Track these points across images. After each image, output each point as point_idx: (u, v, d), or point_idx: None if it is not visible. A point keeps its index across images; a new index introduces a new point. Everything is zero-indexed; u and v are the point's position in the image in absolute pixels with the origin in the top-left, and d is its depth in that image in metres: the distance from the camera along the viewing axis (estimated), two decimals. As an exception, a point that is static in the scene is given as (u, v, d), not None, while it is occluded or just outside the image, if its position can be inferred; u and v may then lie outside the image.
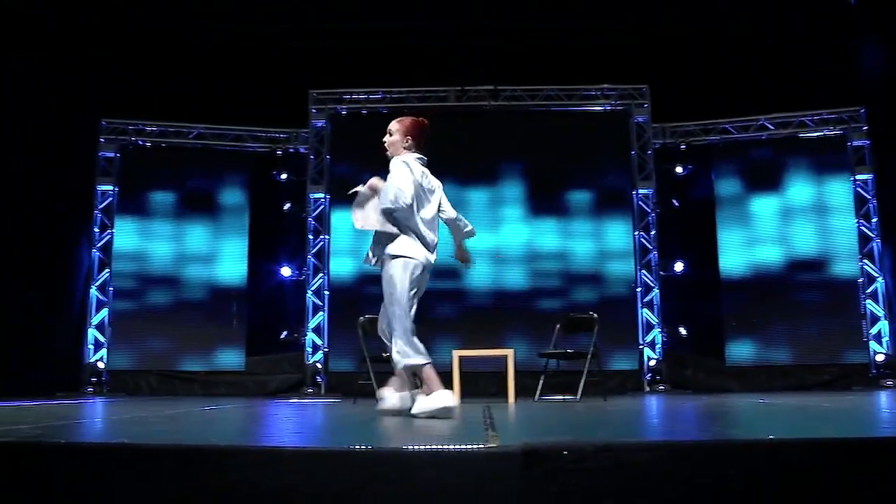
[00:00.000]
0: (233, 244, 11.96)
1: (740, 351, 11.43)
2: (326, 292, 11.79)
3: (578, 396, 7.84)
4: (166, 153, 12.19)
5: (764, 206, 11.65)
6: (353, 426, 4.29)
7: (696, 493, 2.42)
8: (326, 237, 11.92)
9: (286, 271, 12.08)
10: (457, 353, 8.02)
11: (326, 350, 11.62)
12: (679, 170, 12.01)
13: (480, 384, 10.84)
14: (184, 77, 12.00)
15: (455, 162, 11.78)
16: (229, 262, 11.93)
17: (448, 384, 8.26)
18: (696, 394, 10.26)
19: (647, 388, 11.23)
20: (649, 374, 11.37)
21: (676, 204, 11.93)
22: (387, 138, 5.12)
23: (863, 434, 3.20)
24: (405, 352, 4.75)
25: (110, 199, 11.95)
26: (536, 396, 8.08)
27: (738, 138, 11.98)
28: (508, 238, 11.72)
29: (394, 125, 5.12)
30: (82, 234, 11.83)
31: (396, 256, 4.84)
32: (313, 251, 11.91)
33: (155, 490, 2.49)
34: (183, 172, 12.13)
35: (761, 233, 11.60)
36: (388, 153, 5.10)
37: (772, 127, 11.86)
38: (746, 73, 11.79)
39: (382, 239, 4.94)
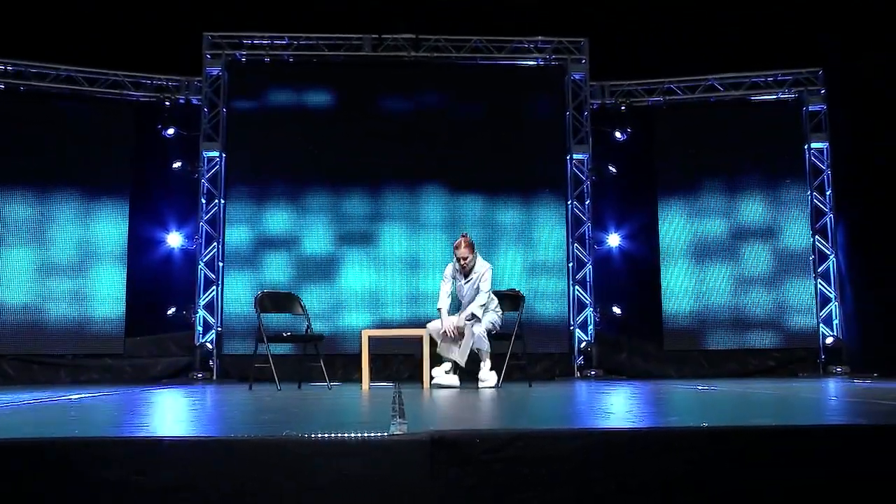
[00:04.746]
0: (110, 207, 11.57)
1: (680, 334, 11.71)
2: (221, 264, 11.60)
3: (500, 382, 7.91)
4: (27, 99, 11.60)
5: (710, 174, 11.88)
6: (247, 414, 4.27)
7: (626, 484, 2.48)
8: (222, 201, 11.69)
9: (174, 239, 11.83)
10: (366, 334, 8.02)
11: (220, 329, 11.47)
12: (618, 134, 12.10)
13: (392, 367, 10.94)
14: (53, 9, 11.50)
15: (368, 117, 11.74)
16: (105, 226, 11.53)
17: (356, 367, 8.29)
18: (631, 380, 10.50)
19: (578, 374, 11.44)
20: (580, 358, 11.58)
21: (614, 171, 12.10)
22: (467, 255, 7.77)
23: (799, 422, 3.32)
24: None
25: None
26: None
27: (684, 100, 12.17)
28: (427, 203, 11.70)
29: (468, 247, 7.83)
30: None
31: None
32: (206, 217, 11.67)
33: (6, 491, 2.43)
34: (48, 122, 11.53)
35: (707, 204, 11.86)
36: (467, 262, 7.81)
37: (721, 88, 12.09)
38: (696, 28, 11.86)
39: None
